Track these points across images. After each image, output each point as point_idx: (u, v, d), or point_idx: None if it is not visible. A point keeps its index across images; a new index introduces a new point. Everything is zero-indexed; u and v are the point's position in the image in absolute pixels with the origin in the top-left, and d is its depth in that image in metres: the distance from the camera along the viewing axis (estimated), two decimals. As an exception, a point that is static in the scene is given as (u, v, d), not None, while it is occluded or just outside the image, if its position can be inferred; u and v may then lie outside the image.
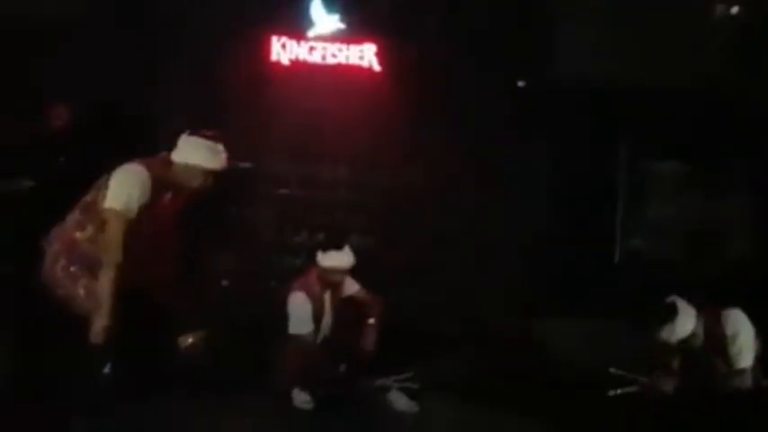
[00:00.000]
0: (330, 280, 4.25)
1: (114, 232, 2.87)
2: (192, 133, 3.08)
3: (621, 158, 5.89)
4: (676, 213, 5.93)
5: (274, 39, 5.44)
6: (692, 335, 3.52)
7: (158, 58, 5.21)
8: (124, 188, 2.90)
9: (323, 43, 5.46)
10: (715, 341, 3.56)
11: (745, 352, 3.45)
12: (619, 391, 3.72)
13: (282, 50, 5.45)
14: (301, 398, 4.11)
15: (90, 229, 2.94)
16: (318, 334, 4.25)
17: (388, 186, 5.55)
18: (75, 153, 4.55)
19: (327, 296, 4.30)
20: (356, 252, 4.52)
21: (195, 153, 3.03)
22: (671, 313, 3.49)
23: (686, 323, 3.52)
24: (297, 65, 5.46)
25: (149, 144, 4.91)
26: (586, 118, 5.50)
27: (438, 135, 5.42)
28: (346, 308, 4.34)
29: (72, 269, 2.93)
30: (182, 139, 3.07)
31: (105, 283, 2.84)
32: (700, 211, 5.91)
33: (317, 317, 4.22)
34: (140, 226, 2.92)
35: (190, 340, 3.59)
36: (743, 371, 3.45)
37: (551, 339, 5.26)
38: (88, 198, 3.01)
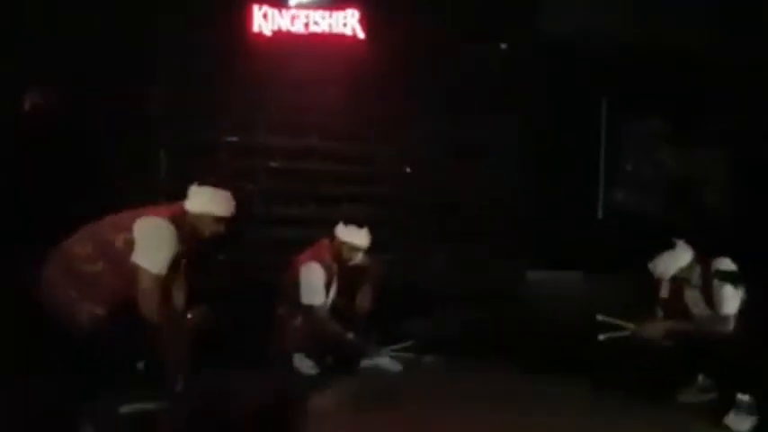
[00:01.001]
0: (345, 255, 4.35)
1: (152, 294, 3.05)
2: (201, 183, 3.31)
3: (603, 116, 6.01)
4: (657, 168, 6.09)
5: (255, 8, 5.40)
6: (688, 269, 3.73)
7: (140, 33, 5.15)
8: (159, 250, 3.07)
9: (305, 11, 5.44)
10: (704, 287, 3.76)
11: (731, 300, 3.64)
12: (606, 337, 3.89)
13: (264, 21, 5.41)
14: (305, 364, 4.24)
15: (100, 265, 3.09)
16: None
17: (375, 154, 5.60)
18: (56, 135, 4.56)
19: (335, 267, 4.40)
20: (347, 221, 4.62)
21: (207, 202, 3.28)
22: (670, 247, 3.72)
23: (683, 257, 3.73)
24: (279, 35, 5.42)
25: (134, 118, 5.02)
26: (568, 77, 5.59)
27: (424, 100, 5.49)
28: (348, 276, 4.46)
29: (77, 298, 3.05)
30: (192, 189, 3.30)
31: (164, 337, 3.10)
32: (681, 165, 6.08)
33: (327, 287, 4.33)
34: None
35: (188, 316, 3.67)
36: (727, 317, 3.65)
37: (540, 294, 5.45)
38: (103, 236, 3.12)
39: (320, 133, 5.54)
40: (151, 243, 3.07)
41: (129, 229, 3.07)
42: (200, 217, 3.27)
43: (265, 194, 5.48)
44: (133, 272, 3.04)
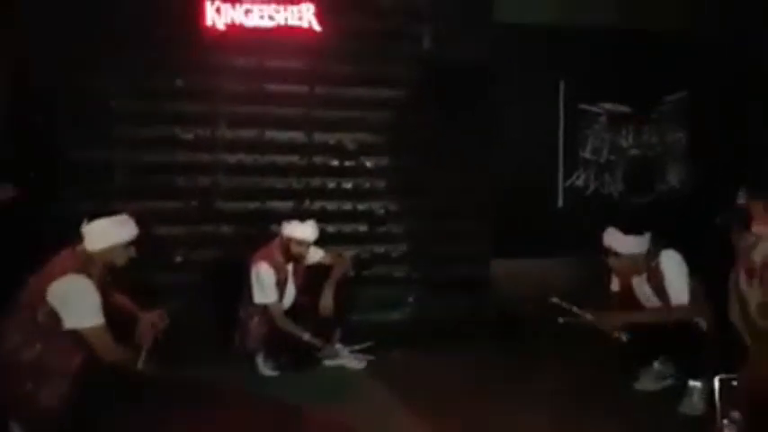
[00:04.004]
0: (293, 251, 4.31)
1: (105, 343, 3.05)
2: (92, 218, 3.19)
3: (560, 100, 6.04)
4: (615, 152, 6.16)
5: (208, 3, 5.28)
6: (634, 255, 3.78)
7: (94, 27, 5.02)
8: (86, 304, 3.01)
9: (259, 5, 5.33)
10: (652, 278, 3.82)
11: (680, 290, 3.70)
12: (565, 320, 3.93)
13: (217, 15, 5.28)
14: (266, 365, 4.24)
15: (38, 347, 2.99)
16: (282, 302, 4.33)
17: (336, 145, 5.56)
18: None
19: (290, 266, 4.37)
20: (311, 215, 4.64)
21: (107, 235, 3.18)
22: (628, 230, 3.77)
23: (638, 246, 3.77)
24: (233, 29, 5.31)
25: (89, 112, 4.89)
26: (525, 62, 5.61)
27: (382, 90, 5.49)
28: (310, 274, 4.45)
29: (33, 389, 2.96)
30: (86, 229, 3.18)
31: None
32: (638, 149, 6.17)
33: (281, 286, 4.29)
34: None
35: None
36: (683, 306, 3.70)
37: (503, 280, 5.51)
38: (24, 319, 3.01)
39: (277, 126, 5.47)
40: (74, 302, 3.00)
41: (43, 301, 2.98)
42: (107, 251, 3.19)
43: (225, 190, 5.40)
44: (73, 336, 2.99)
